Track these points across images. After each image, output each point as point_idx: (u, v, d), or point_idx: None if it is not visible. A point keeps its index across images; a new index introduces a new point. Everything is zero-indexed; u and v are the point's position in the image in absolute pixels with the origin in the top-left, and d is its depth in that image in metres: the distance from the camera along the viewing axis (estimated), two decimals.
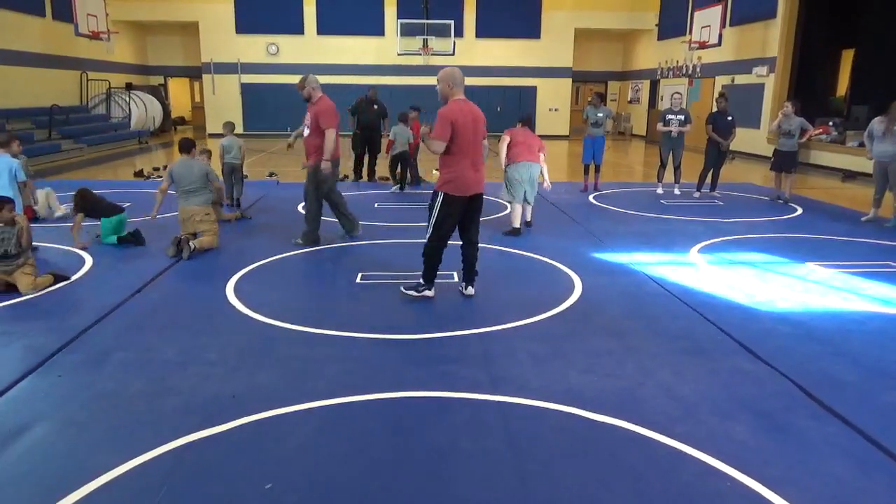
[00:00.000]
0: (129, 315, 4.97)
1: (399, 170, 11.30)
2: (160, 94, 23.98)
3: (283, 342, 4.46)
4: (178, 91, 27.04)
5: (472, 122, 5.01)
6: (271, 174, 12.59)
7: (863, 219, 8.97)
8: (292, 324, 4.75)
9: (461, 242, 5.44)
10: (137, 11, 22.22)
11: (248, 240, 7.42)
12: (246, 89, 22.96)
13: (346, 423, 3.36)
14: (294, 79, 24.11)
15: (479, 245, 5.48)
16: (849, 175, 13.55)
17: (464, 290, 5.49)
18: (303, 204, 9.73)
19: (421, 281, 5.33)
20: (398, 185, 11.34)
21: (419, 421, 3.41)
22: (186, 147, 7.02)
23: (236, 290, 5.57)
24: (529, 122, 8.36)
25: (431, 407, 3.56)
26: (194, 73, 24.71)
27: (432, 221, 5.19)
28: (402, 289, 5.36)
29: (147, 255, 6.65)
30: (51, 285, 5.58)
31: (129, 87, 21.75)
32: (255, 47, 23.07)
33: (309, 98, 6.90)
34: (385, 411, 3.51)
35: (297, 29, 23.04)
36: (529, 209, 8.32)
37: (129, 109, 20.46)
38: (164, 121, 23.30)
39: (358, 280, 5.91)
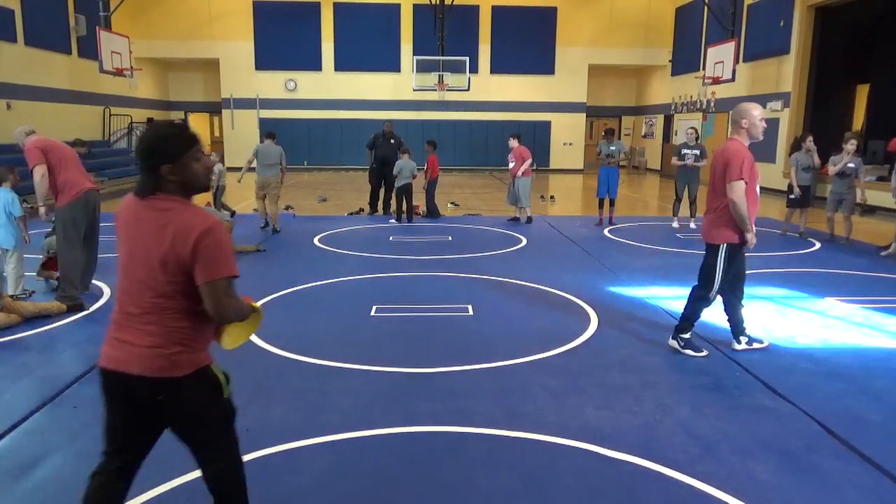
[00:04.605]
0: None
1: (405, 203, 11.45)
2: None
3: (297, 375, 4.44)
4: (199, 126, 27.53)
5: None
6: (287, 207, 12.71)
7: (882, 253, 8.86)
8: (306, 356, 4.74)
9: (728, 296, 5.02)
10: (160, 49, 22.83)
11: (263, 272, 7.46)
12: (264, 124, 23.33)
13: (360, 458, 3.33)
14: (312, 114, 24.53)
15: (501, 279, 5.42)
16: (867, 209, 13.43)
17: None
18: (319, 236, 9.85)
19: (688, 336, 4.95)
20: (397, 218, 11.51)
21: (434, 456, 3.36)
22: (270, 135, 10.24)
23: None
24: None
25: (446, 442, 3.52)
26: (214, 109, 25.22)
27: (721, 278, 4.76)
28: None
29: None
30: (59, 313, 5.65)
31: (151, 121, 22.22)
32: (273, 83, 23.55)
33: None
34: (399, 446, 3.47)
35: (315, 65, 23.51)
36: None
37: None
38: None
39: (372, 313, 5.91)
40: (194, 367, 2.19)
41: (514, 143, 11.47)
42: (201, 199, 8.99)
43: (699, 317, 4.94)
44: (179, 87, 25.68)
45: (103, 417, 2.26)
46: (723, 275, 4.74)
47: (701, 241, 5.06)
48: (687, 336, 4.94)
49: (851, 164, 9.48)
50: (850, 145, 9.55)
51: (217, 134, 26.81)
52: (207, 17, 22.88)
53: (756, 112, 4.62)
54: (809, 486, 3.11)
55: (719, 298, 4.97)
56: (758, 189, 4.69)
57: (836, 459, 3.36)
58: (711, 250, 4.78)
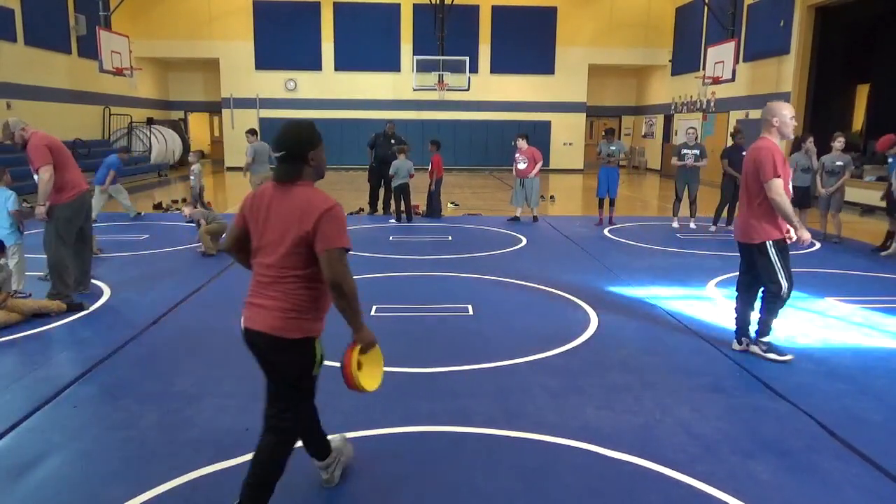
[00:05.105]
0: (146, 347, 5.00)
1: (402, 203, 11.47)
2: (180, 128, 24.49)
3: None
4: (198, 125, 27.57)
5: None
6: None
7: (882, 253, 8.86)
8: None
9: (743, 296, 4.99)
10: (160, 49, 22.82)
11: None
12: (264, 124, 23.33)
13: (361, 458, 3.32)
14: (312, 113, 24.41)
15: (501, 279, 5.41)
16: (867, 209, 13.45)
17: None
18: None
19: (770, 341, 4.83)
20: (397, 218, 11.55)
21: (433, 456, 3.36)
22: (256, 132, 11.59)
23: None
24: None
25: (445, 442, 3.52)
26: (214, 108, 25.22)
27: (783, 272, 4.61)
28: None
29: (164, 287, 6.70)
30: (59, 312, 5.65)
31: (150, 121, 22.21)
32: (273, 83, 23.54)
33: (24, 142, 5.82)
34: (399, 446, 3.47)
35: (315, 65, 23.51)
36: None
37: (150, 143, 20.87)
38: (184, 154, 23.72)
39: (372, 312, 5.91)
40: (304, 334, 2.62)
41: (522, 143, 11.47)
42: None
43: (777, 317, 4.80)
44: (179, 87, 25.68)
45: None
46: (783, 269, 4.60)
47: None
48: (768, 340, 4.81)
49: (839, 162, 9.50)
50: (839, 143, 9.58)
51: (217, 134, 26.80)
52: (207, 17, 22.87)
53: (786, 111, 4.60)
54: (809, 486, 3.11)
55: (733, 294, 4.93)
56: (790, 186, 4.63)
57: (836, 460, 3.36)
58: (759, 250, 4.64)
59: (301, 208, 2.50)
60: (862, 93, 16.94)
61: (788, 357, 4.75)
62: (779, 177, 4.43)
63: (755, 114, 17.89)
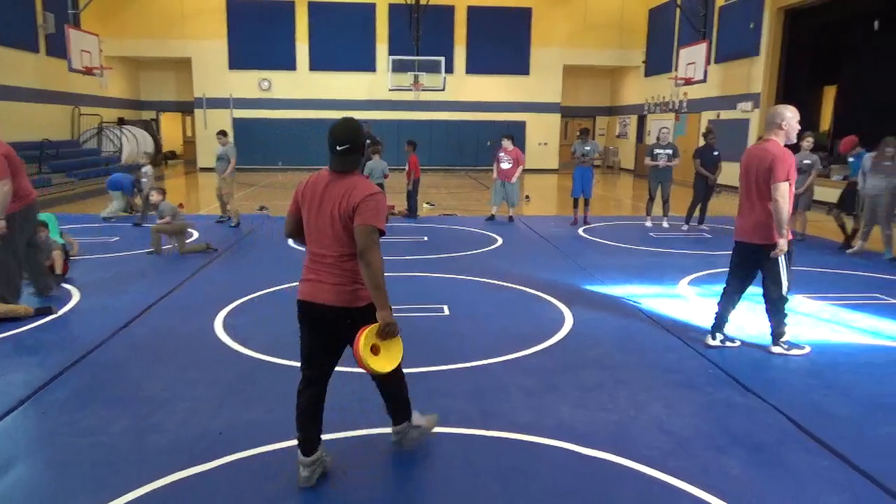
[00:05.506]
0: (116, 351, 4.91)
1: None
2: (152, 128, 24.12)
3: (272, 377, 4.40)
4: (170, 126, 27.19)
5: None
6: (262, 208, 12.60)
7: (848, 251, 9.05)
8: (281, 358, 4.70)
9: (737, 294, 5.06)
10: (131, 48, 22.46)
11: (236, 273, 7.38)
12: (238, 124, 23.12)
13: (337, 460, 3.30)
14: (287, 114, 24.10)
15: (477, 279, 5.42)
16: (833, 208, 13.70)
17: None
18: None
19: (788, 339, 4.98)
20: None
21: (410, 456, 3.36)
22: (226, 134, 11.04)
23: (224, 324, 5.52)
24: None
25: (422, 442, 3.51)
26: (186, 108, 24.90)
27: (787, 273, 4.79)
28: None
29: (135, 290, 6.60)
30: (27, 316, 5.54)
31: (121, 121, 21.85)
32: (247, 83, 23.29)
33: None
34: (376, 447, 3.46)
35: (290, 65, 23.33)
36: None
37: (121, 144, 20.53)
38: (156, 155, 23.37)
39: None
40: (369, 300, 2.92)
41: (508, 143, 11.54)
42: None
43: (787, 314, 4.93)
44: (151, 87, 25.31)
45: (301, 342, 3.07)
46: (788, 270, 4.77)
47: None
48: (787, 338, 4.96)
49: (807, 161, 9.67)
50: (807, 143, 9.72)
51: (189, 134, 26.46)
52: (180, 16, 22.57)
53: (790, 114, 4.77)
54: (780, 480, 3.17)
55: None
56: (793, 189, 4.74)
57: (805, 453, 3.43)
58: (767, 251, 4.71)
59: (350, 191, 2.86)
60: (829, 94, 17.29)
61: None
62: (787, 181, 4.58)
63: (726, 114, 18.17)
